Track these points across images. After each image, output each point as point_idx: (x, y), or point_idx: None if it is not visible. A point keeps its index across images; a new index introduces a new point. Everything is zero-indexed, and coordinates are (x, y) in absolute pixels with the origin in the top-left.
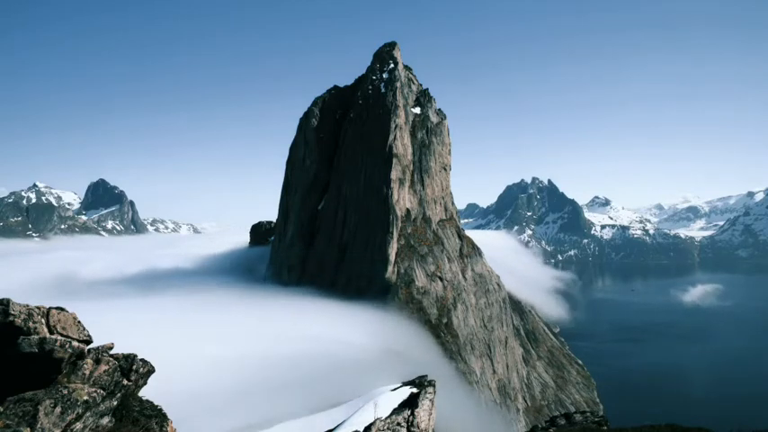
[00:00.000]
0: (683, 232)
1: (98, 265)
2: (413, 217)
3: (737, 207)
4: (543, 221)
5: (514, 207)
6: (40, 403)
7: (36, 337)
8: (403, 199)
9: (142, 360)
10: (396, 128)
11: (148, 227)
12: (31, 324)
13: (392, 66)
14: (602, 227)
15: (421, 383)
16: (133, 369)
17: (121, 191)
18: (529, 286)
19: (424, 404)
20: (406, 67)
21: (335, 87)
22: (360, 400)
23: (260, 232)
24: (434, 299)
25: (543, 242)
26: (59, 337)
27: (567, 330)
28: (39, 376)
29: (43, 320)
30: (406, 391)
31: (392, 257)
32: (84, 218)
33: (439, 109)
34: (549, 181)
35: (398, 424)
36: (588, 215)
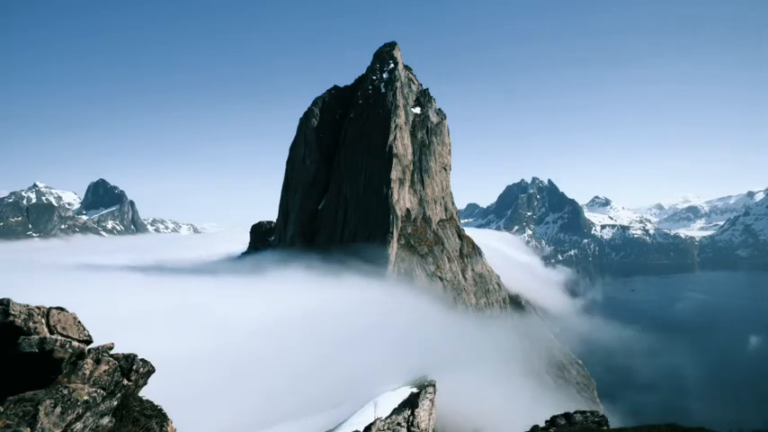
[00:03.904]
0: (683, 232)
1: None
2: (413, 217)
3: (737, 207)
4: (543, 221)
5: (514, 207)
6: (41, 403)
7: (36, 337)
8: (403, 199)
9: (142, 360)
10: (396, 128)
11: (148, 227)
12: (31, 324)
13: (392, 66)
14: (603, 227)
15: (421, 383)
16: (133, 369)
17: (121, 191)
18: (529, 286)
19: (425, 404)
20: (406, 67)
21: (335, 87)
22: (360, 400)
23: (260, 232)
24: (434, 299)
25: (543, 242)
26: (59, 337)
27: (567, 330)
28: (39, 376)
29: (43, 320)
30: (407, 391)
31: (392, 257)
32: (84, 218)
33: (439, 109)
34: (549, 181)
35: (398, 424)
36: (588, 215)
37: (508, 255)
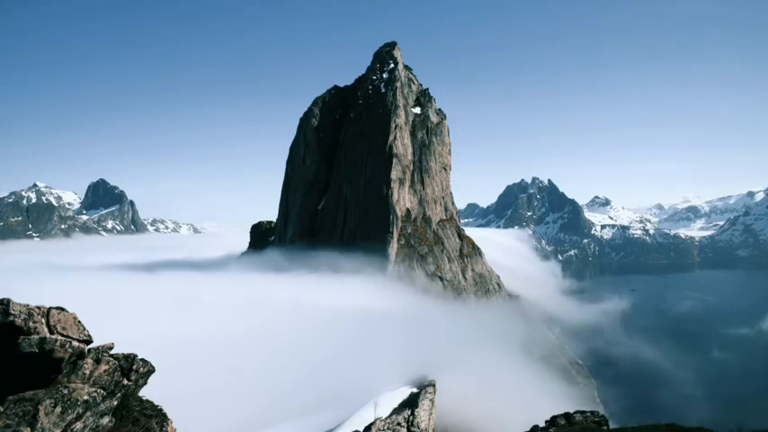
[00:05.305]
0: (683, 232)
1: None
2: (413, 217)
3: (737, 207)
4: (543, 221)
5: (514, 207)
6: (41, 403)
7: (36, 336)
8: (403, 199)
9: (142, 360)
10: (396, 128)
11: (148, 227)
12: (31, 324)
13: (392, 66)
14: (603, 227)
15: (421, 383)
16: (133, 369)
17: (121, 191)
18: (529, 286)
19: (425, 404)
20: (407, 67)
21: (335, 87)
22: (360, 400)
23: (260, 232)
24: (434, 298)
25: (543, 242)
26: (59, 337)
27: (567, 330)
28: (39, 376)
29: (43, 320)
30: (407, 391)
31: (392, 257)
32: (84, 218)
33: (439, 109)
34: (549, 181)
35: (398, 424)
36: (588, 215)
37: (510, 254)
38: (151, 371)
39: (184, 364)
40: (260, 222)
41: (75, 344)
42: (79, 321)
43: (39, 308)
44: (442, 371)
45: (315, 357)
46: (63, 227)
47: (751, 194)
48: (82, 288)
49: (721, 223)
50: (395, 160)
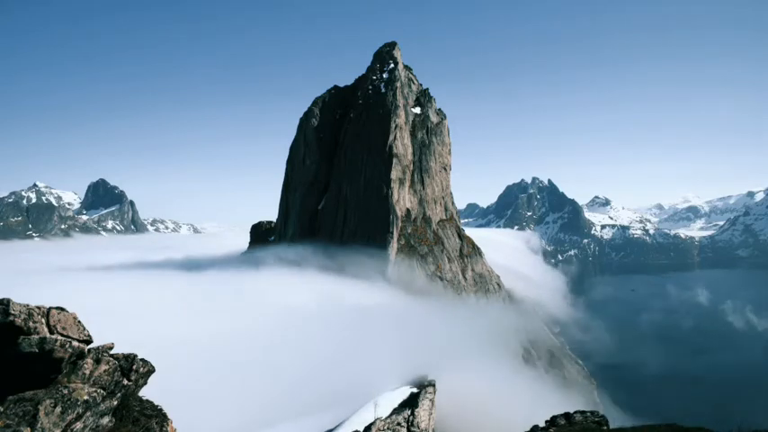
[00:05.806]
0: (683, 232)
1: None
2: (413, 217)
3: (737, 207)
4: (543, 221)
5: (514, 207)
6: (41, 403)
7: (36, 336)
8: (403, 199)
9: (142, 360)
10: (396, 128)
11: (148, 227)
12: (31, 324)
13: (392, 65)
14: (603, 227)
15: (421, 383)
16: (133, 369)
17: (121, 191)
18: (530, 285)
19: (425, 404)
20: (407, 67)
21: (335, 87)
22: (360, 400)
23: (260, 232)
24: (434, 299)
25: (543, 242)
26: (59, 337)
27: (567, 330)
28: (39, 376)
29: (43, 320)
30: (407, 391)
31: (392, 257)
32: (84, 218)
33: (439, 109)
34: (549, 181)
35: (399, 424)
36: (588, 215)
37: (510, 254)
38: (151, 371)
39: (184, 364)
40: (260, 222)
41: (75, 344)
42: (79, 321)
43: (39, 308)
44: (441, 371)
45: (315, 357)
46: (63, 227)
47: (751, 194)
48: (82, 288)
49: (721, 223)
50: (395, 160)
